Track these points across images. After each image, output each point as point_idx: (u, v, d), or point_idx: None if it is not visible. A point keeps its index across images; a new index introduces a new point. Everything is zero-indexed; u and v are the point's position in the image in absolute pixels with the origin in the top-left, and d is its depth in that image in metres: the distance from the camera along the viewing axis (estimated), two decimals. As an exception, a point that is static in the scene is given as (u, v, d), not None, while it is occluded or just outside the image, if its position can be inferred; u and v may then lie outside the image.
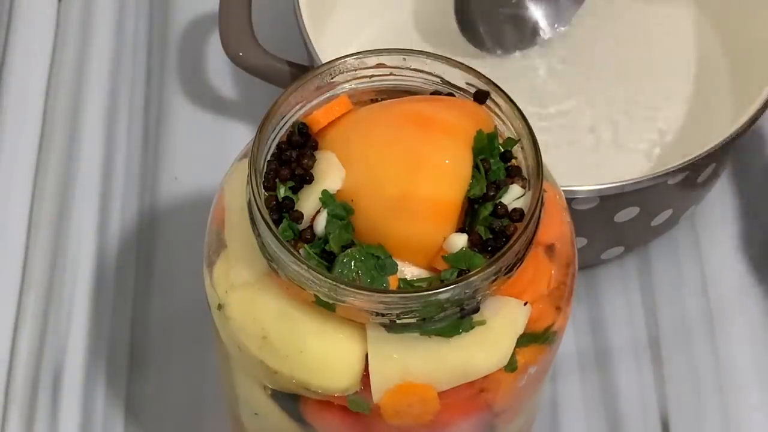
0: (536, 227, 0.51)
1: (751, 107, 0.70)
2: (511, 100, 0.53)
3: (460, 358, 0.51)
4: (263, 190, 0.52)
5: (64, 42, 0.85)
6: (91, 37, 0.86)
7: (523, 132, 0.53)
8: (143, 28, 0.86)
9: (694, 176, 0.70)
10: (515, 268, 0.51)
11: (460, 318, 0.51)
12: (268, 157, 0.53)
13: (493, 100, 0.54)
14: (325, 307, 0.50)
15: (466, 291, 0.49)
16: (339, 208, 0.51)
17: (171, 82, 0.84)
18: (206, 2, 0.86)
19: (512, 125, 0.53)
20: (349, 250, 0.51)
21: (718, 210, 0.80)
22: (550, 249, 0.55)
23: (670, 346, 0.74)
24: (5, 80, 0.84)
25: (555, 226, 0.55)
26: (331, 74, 0.54)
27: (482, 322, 0.51)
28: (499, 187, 0.52)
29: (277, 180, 0.52)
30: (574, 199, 0.66)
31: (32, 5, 0.87)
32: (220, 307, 0.54)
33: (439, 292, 0.49)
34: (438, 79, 0.55)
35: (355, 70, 0.54)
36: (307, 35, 0.71)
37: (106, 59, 0.85)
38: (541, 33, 0.80)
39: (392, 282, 0.51)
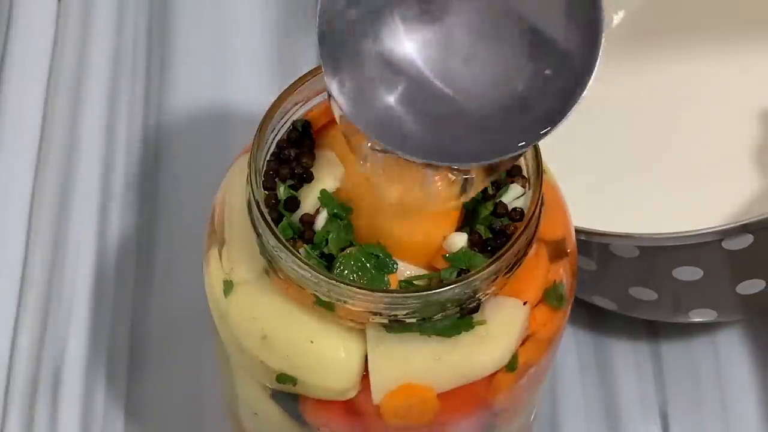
0: (536, 226, 0.51)
1: None
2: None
3: (460, 358, 0.51)
4: (263, 189, 0.51)
5: (64, 42, 0.85)
6: (91, 37, 0.85)
7: (523, 131, 0.53)
8: (143, 28, 0.86)
9: None
10: (515, 267, 0.50)
11: (460, 318, 0.51)
12: (268, 157, 0.53)
13: (493, 100, 0.54)
14: (324, 307, 0.50)
15: (466, 291, 0.49)
16: (338, 207, 0.51)
17: (171, 81, 0.84)
18: (206, 2, 0.86)
19: (512, 125, 0.53)
20: (348, 250, 0.51)
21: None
22: (550, 248, 0.55)
23: (670, 345, 0.74)
24: (5, 80, 0.83)
25: (555, 225, 0.55)
26: (331, 74, 0.54)
27: (482, 322, 0.51)
28: (500, 187, 0.52)
29: (276, 179, 0.52)
30: None
31: (32, 5, 0.87)
32: (220, 305, 0.54)
33: (440, 292, 0.49)
34: (438, 79, 0.55)
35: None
36: None
37: (106, 59, 0.84)
38: None
39: (392, 282, 0.51)
